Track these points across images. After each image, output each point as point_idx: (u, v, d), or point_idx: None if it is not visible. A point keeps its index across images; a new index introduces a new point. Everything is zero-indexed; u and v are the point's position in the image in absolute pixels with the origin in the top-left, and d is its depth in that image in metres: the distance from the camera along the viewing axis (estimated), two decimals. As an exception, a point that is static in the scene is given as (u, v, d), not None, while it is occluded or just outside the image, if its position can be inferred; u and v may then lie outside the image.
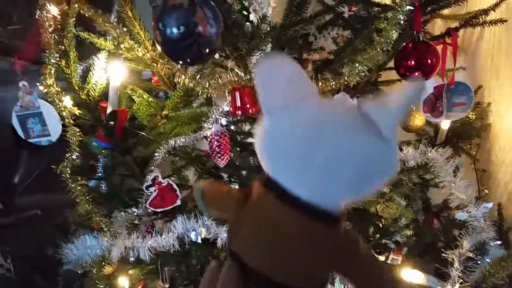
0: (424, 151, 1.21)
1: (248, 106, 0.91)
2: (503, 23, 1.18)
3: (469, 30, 1.89)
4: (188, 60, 0.75)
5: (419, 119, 1.42)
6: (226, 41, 0.85)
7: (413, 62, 0.96)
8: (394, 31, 0.82)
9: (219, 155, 0.97)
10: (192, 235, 1.03)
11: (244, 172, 1.21)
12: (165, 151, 1.08)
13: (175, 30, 0.70)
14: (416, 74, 0.97)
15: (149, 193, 1.11)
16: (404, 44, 1.00)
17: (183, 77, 0.88)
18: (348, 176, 0.48)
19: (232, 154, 1.08)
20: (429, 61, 0.96)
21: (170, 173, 1.27)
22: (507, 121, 1.51)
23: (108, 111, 1.17)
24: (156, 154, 1.11)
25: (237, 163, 1.20)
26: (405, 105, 0.46)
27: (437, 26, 1.79)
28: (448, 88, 1.29)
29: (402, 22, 0.83)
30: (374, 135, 0.47)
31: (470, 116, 1.69)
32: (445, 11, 1.77)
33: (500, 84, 1.56)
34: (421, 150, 1.21)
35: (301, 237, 0.52)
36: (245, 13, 1.04)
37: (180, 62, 0.79)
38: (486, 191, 1.67)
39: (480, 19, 1.23)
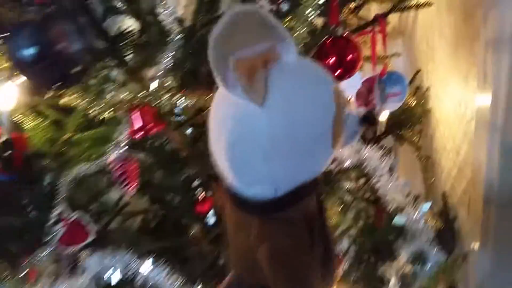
0: (359, 150, 1.13)
1: (150, 126, 0.79)
2: (429, 6, 1.10)
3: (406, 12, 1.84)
4: (54, 84, 0.63)
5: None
6: (110, 52, 0.72)
7: (333, 60, 0.87)
8: (303, 30, 0.72)
9: (125, 183, 0.84)
10: (108, 275, 0.91)
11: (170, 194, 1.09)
12: (68, 181, 0.94)
13: (27, 51, 0.57)
14: (338, 72, 0.88)
15: (58, 230, 0.98)
16: (322, 40, 0.90)
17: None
18: (235, 153, 0.48)
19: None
20: (349, 57, 0.87)
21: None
22: (445, 105, 1.47)
23: (2, 139, 1.02)
24: (60, 185, 0.97)
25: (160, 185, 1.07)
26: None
27: (373, 10, 1.72)
28: (380, 79, 1.21)
29: (312, 17, 0.73)
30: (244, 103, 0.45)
31: (410, 102, 1.64)
32: (378, -6, 1.70)
33: (436, 67, 1.51)
34: (355, 148, 1.13)
35: (236, 229, 0.54)
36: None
37: (45, 86, 0.66)
38: (433, 179, 1.63)
39: (408, 2, 1.15)
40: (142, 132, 0.77)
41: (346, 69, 0.87)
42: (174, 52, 0.86)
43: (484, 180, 1.12)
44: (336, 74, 0.87)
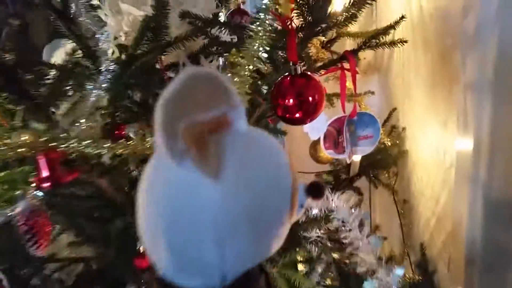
0: (327, 196, 1.00)
1: (61, 174, 0.64)
2: (402, 44, 1.00)
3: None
4: None
5: (326, 152, 1.23)
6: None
7: (291, 101, 0.74)
8: (249, 67, 0.60)
9: (33, 241, 0.69)
10: None
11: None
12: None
13: None
14: (297, 115, 0.75)
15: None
16: (279, 78, 0.78)
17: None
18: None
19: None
20: (310, 98, 0.74)
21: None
22: (423, 147, 1.35)
23: None
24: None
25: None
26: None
27: (348, 45, 1.64)
28: (350, 120, 1.10)
29: (261, 53, 0.61)
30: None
31: (385, 142, 1.53)
32: (353, 28, 1.62)
33: (412, 106, 1.41)
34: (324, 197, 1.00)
35: None
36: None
37: None
38: (410, 226, 1.50)
39: (381, 39, 1.05)
40: (49, 183, 0.62)
41: (307, 112, 0.74)
42: (105, 84, 0.72)
43: (466, 236, 1.00)
44: (296, 116, 0.75)
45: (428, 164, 1.32)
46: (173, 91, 0.36)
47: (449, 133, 1.12)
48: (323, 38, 1.47)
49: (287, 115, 0.75)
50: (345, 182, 1.49)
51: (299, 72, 0.74)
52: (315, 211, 1.04)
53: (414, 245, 1.50)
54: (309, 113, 0.75)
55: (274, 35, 0.62)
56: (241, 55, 0.61)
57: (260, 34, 0.61)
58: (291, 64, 0.73)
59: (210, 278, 0.42)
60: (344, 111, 1.09)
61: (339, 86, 1.08)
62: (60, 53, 1.05)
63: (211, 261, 0.40)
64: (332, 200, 0.95)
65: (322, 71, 1.04)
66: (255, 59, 0.59)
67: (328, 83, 1.53)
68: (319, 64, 1.06)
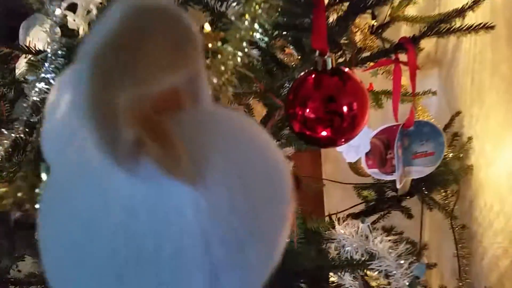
0: (366, 236, 0.75)
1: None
2: (487, 30, 0.72)
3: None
4: None
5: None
6: None
7: (315, 112, 0.49)
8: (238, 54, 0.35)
9: None
10: None
11: None
12: None
13: None
14: (324, 133, 0.50)
15: None
16: (299, 76, 0.53)
17: None
18: None
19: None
20: (345, 108, 0.49)
21: None
22: (495, 164, 1.06)
23: None
24: None
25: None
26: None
27: (404, 32, 1.35)
28: (405, 131, 0.83)
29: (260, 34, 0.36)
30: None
31: (445, 154, 1.24)
32: (412, 11, 1.33)
33: (485, 113, 1.11)
34: (362, 232, 0.75)
35: None
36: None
37: None
38: (466, 260, 1.21)
39: (453, 23, 0.77)
40: None
41: (340, 129, 0.49)
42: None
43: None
44: (321, 135, 0.50)
45: (501, 187, 1.03)
46: (109, 39, 0.21)
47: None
48: (372, 22, 1.19)
49: (307, 132, 0.51)
50: (391, 201, 1.22)
51: (329, 67, 0.48)
52: (349, 249, 0.79)
53: (474, 284, 1.22)
54: (343, 131, 0.50)
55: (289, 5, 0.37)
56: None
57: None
58: (316, 54, 0.48)
59: None
60: (396, 118, 0.82)
61: (392, 83, 0.82)
62: (36, 31, 0.85)
63: None
64: (373, 241, 0.70)
65: (369, 64, 0.78)
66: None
67: (377, 78, 1.26)
68: (365, 54, 0.80)
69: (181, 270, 0.24)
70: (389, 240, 0.73)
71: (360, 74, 1.03)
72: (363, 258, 0.73)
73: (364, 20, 1.25)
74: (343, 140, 0.51)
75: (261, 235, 0.27)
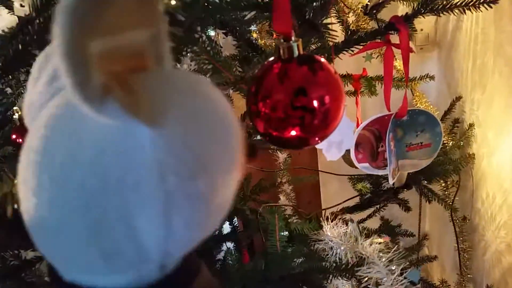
0: (356, 238, 0.68)
1: None
2: (489, 6, 0.64)
3: (443, 15, 1.37)
4: None
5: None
6: None
7: (281, 108, 0.41)
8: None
9: None
10: None
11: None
12: None
13: None
14: (293, 133, 0.43)
15: None
16: (261, 66, 0.45)
17: None
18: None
19: None
20: (316, 102, 0.41)
21: None
22: (498, 153, 0.98)
23: None
24: None
25: None
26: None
27: (401, 13, 1.26)
28: (397, 121, 0.75)
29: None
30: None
31: (445, 142, 1.16)
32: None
33: (487, 98, 1.03)
34: (351, 233, 0.68)
35: None
36: None
37: None
38: (468, 254, 1.14)
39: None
40: None
41: (311, 127, 0.42)
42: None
43: None
44: (289, 134, 0.42)
45: (504, 178, 0.95)
46: None
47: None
48: (366, 1, 1.10)
49: (273, 132, 0.43)
50: (388, 193, 1.15)
51: (296, 54, 0.40)
52: (339, 251, 0.72)
53: (476, 279, 1.15)
54: (315, 129, 0.42)
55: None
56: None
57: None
58: (281, 40, 0.40)
59: (146, 268, 0.31)
60: (388, 107, 0.74)
61: (383, 67, 0.74)
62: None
63: (152, 240, 0.29)
64: (362, 244, 0.62)
65: (357, 48, 0.70)
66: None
67: (371, 63, 1.18)
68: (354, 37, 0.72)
69: (141, 197, 0.28)
70: (379, 243, 0.66)
71: (353, 59, 0.95)
72: (351, 263, 0.66)
73: (357, 0, 1.17)
74: (316, 139, 0.43)
75: (210, 170, 0.30)
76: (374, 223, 1.31)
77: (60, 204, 0.28)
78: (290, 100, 0.41)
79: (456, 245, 1.21)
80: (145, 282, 0.32)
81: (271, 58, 0.43)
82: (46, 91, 0.32)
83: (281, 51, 0.41)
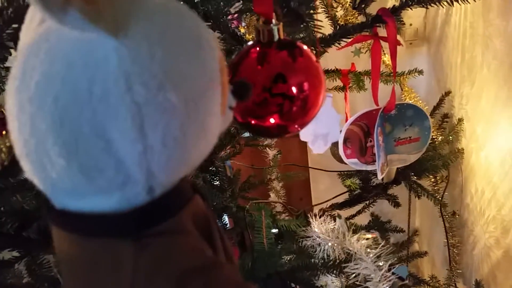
0: (344, 234, 0.67)
1: None
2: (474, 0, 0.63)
3: (432, 9, 1.36)
4: None
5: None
6: None
7: (257, 95, 0.40)
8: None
9: None
10: None
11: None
12: None
13: None
14: (272, 120, 0.41)
15: None
16: (240, 51, 0.44)
17: None
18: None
19: None
20: (295, 89, 0.40)
21: None
22: (488, 149, 0.98)
23: None
24: None
25: None
26: None
27: (390, 5, 1.25)
28: (386, 116, 0.74)
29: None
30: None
31: (434, 137, 1.16)
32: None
33: (476, 92, 1.02)
34: (339, 230, 0.67)
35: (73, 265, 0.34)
36: None
37: None
38: (457, 249, 1.14)
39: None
40: None
41: (290, 115, 0.40)
42: None
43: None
44: (269, 122, 0.41)
45: (493, 173, 0.95)
46: None
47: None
48: (352, -7, 1.09)
49: (252, 121, 0.42)
50: (377, 189, 1.14)
51: (275, 38, 0.39)
52: (327, 247, 0.71)
53: (465, 274, 1.15)
54: (294, 116, 0.41)
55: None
56: None
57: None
58: (260, 22, 0.39)
59: (132, 189, 0.31)
60: (376, 101, 0.73)
61: (370, 61, 0.73)
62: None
63: (129, 155, 0.29)
64: (349, 240, 0.61)
65: (344, 42, 0.69)
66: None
67: (360, 58, 1.17)
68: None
69: (110, 108, 0.28)
70: (367, 239, 0.65)
71: (342, 54, 0.94)
72: (338, 260, 0.64)
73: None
74: (296, 126, 0.42)
75: (181, 84, 0.30)
76: (364, 219, 1.30)
77: (38, 123, 0.29)
78: (269, 86, 0.39)
79: (446, 240, 1.20)
80: (133, 205, 0.32)
81: (250, 42, 0.41)
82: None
83: (261, 35, 0.39)
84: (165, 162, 0.31)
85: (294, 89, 0.39)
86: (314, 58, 0.41)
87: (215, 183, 1.00)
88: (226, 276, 0.35)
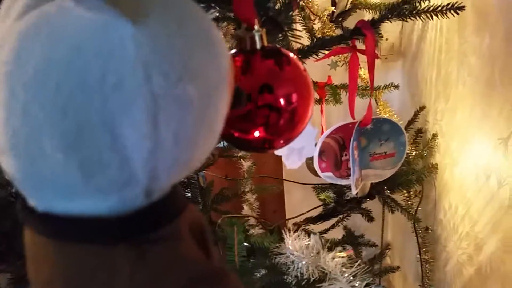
0: (317, 252, 0.64)
1: None
2: (456, 13, 0.62)
3: (408, 25, 1.37)
4: None
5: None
6: None
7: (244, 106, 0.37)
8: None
9: None
10: None
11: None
12: None
13: None
14: (256, 134, 0.39)
15: None
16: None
17: None
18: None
19: None
20: (282, 100, 0.38)
21: None
22: (462, 165, 0.98)
23: None
24: None
25: None
26: None
27: (368, 18, 1.25)
28: (362, 130, 0.73)
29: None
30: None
31: (408, 152, 1.16)
32: (374, -2, 1.23)
33: (451, 107, 1.03)
34: (313, 247, 0.64)
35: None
36: None
37: None
38: (429, 265, 1.14)
39: (417, 4, 0.67)
40: None
41: (277, 128, 0.38)
42: None
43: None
44: (253, 136, 0.38)
45: (466, 189, 0.95)
46: None
47: (502, 150, 0.75)
48: (332, 8, 1.08)
49: (235, 133, 0.39)
50: (351, 203, 1.13)
51: (258, 46, 0.37)
52: (301, 265, 0.68)
53: (437, 290, 1.14)
54: (281, 130, 0.39)
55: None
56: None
57: None
58: (243, 29, 0.36)
59: (130, 191, 0.28)
60: (352, 114, 0.72)
61: (348, 74, 0.72)
62: None
63: (138, 153, 0.26)
64: (324, 258, 0.59)
65: (323, 53, 0.67)
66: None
67: (336, 71, 1.16)
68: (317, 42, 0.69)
69: (124, 99, 0.25)
70: (343, 257, 0.62)
71: (318, 67, 0.92)
72: (312, 278, 0.62)
73: (323, 7, 1.15)
74: (281, 141, 0.39)
75: (198, 77, 0.28)
76: (337, 233, 1.29)
77: (34, 112, 0.26)
78: (254, 97, 0.36)
79: (419, 255, 1.20)
80: (128, 209, 0.29)
81: (232, 51, 0.38)
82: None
83: (243, 42, 0.36)
84: (172, 162, 0.29)
85: (281, 101, 0.37)
86: (302, 67, 0.39)
87: (187, 195, 0.97)
88: (233, 285, 0.33)
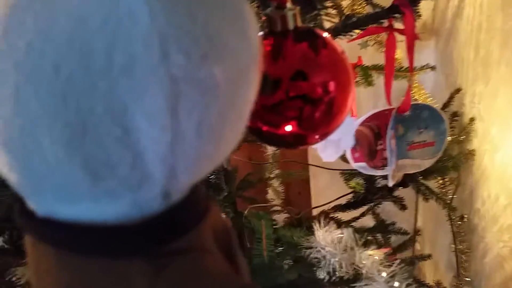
0: (351, 248, 0.60)
1: None
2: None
3: (442, 1, 1.29)
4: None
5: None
6: None
7: (273, 96, 0.33)
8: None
9: None
10: None
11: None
12: None
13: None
14: (288, 128, 0.35)
15: None
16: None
17: None
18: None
19: None
20: (320, 89, 0.33)
21: None
22: (503, 152, 0.92)
23: None
24: None
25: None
26: None
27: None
28: (399, 117, 0.67)
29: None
30: None
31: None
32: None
33: (491, 91, 0.96)
34: (346, 243, 0.60)
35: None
36: None
37: None
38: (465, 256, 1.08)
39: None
40: None
41: (311, 121, 0.34)
42: None
43: None
44: (283, 131, 0.34)
45: (509, 178, 0.89)
46: None
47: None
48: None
49: (264, 127, 0.35)
50: (383, 191, 1.08)
51: (291, 26, 0.32)
52: (334, 261, 0.65)
53: (473, 282, 1.09)
54: (316, 124, 0.34)
55: None
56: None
57: None
58: (273, 7, 0.32)
59: (146, 192, 0.24)
60: (389, 100, 0.66)
61: (384, 55, 0.66)
62: None
63: (154, 147, 0.22)
64: (359, 256, 0.55)
65: (356, 33, 0.62)
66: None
67: (366, 50, 1.10)
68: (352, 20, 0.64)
69: (137, 83, 0.21)
70: (379, 255, 0.58)
71: (346, 46, 0.87)
72: (346, 277, 0.58)
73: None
74: (316, 137, 0.35)
75: (225, 52, 0.24)
76: (366, 221, 1.25)
77: (27, 98, 0.21)
78: (286, 87, 0.32)
79: (454, 245, 1.15)
80: (143, 215, 0.24)
81: (260, 32, 0.34)
82: None
83: (273, 23, 0.32)
84: (194, 158, 0.24)
85: (317, 90, 0.32)
86: (340, 50, 0.34)
87: (211, 181, 0.93)
88: None
